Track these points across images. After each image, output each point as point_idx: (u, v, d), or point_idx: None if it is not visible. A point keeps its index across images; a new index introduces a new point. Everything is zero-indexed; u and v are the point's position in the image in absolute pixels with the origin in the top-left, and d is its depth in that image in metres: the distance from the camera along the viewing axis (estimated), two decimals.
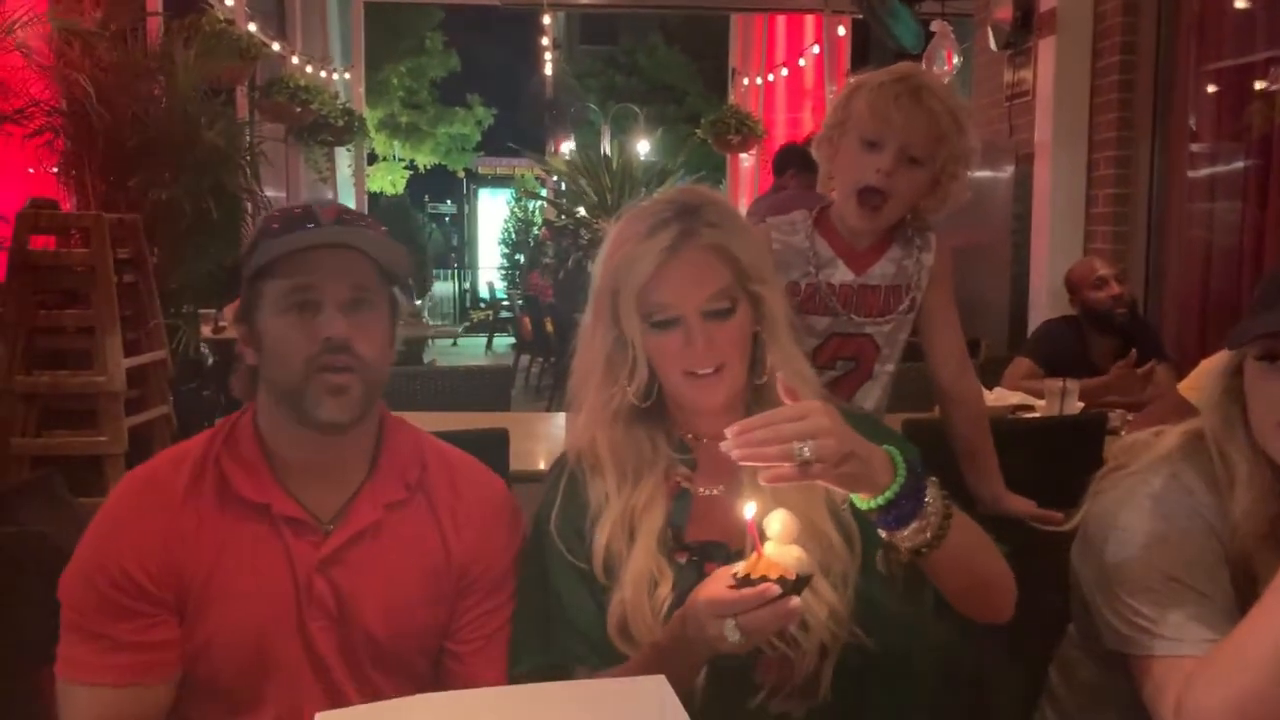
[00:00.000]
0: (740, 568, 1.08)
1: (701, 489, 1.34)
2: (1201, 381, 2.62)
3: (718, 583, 1.10)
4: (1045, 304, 4.53)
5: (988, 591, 1.25)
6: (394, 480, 1.32)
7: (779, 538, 1.08)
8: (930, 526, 1.12)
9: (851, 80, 1.83)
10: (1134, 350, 3.32)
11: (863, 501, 1.12)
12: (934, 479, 1.14)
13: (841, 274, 1.84)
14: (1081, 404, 3.11)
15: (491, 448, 2.23)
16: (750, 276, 1.30)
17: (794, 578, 1.06)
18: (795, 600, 1.07)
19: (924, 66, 6.09)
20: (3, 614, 1.59)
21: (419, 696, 0.99)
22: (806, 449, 1.04)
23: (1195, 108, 4.28)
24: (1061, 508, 1.94)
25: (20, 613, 1.56)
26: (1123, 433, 2.91)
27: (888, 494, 1.10)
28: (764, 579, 1.05)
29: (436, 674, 1.36)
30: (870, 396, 1.91)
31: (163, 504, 1.25)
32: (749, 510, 1.07)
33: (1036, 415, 3.16)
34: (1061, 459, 2.67)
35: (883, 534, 1.14)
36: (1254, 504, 1.19)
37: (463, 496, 1.35)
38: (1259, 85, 4.05)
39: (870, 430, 1.36)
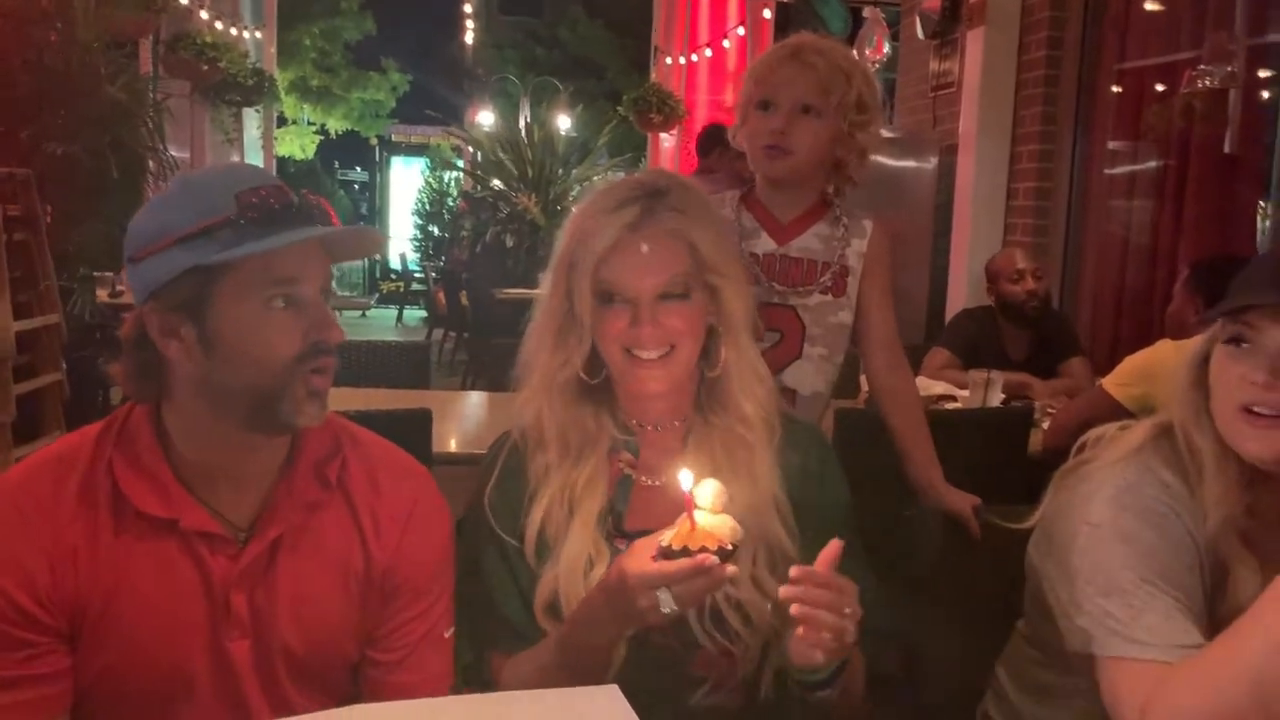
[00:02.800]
0: (669, 537, 1.08)
1: (644, 478, 1.34)
2: (1127, 378, 2.69)
3: (642, 554, 1.10)
4: (964, 295, 4.58)
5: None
6: (311, 478, 1.20)
7: (711, 507, 1.09)
8: (836, 691, 1.19)
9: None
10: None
11: (802, 671, 1.17)
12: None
13: (765, 244, 1.87)
14: (1004, 395, 3.13)
15: (414, 429, 2.14)
16: (709, 267, 1.30)
17: (729, 547, 1.07)
18: (731, 568, 1.09)
19: (853, 53, 6.11)
20: None
21: (359, 708, 0.90)
22: (669, 604, 1.09)
23: (1115, 105, 4.36)
24: (989, 499, 1.94)
25: None
26: (1043, 425, 2.94)
27: (821, 675, 1.17)
28: (703, 549, 1.06)
29: (356, 686, 1.26)
30: (804, 379, 1.89)
31: (46, 519, 1.10)
32: (685, 479, 1.08)
33: (959, 406, 3.18)
34: (988, 450, 2.69)
35: (795, 681, 1.20)
36: (1223, 494, 1.18)
37: (384, 494, 1.23)
38: (1158, 88, 4.15)
39: (815, 446, 1.37)
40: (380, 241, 1.49)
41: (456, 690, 1.27)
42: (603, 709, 0.97)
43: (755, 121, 1.83)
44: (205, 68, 7.41)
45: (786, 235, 1.89)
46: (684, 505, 1.09)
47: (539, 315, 1.35)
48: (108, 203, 4.22)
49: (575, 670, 1.20)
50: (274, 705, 1.18)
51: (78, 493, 1.12)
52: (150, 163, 4.53)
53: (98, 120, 4.07)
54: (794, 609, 1.06)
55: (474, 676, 1.31)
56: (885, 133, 6.12)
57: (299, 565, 1.18)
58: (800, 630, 1.08)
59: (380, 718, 0.91)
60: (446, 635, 1.27)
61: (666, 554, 1.08)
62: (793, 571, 1.07)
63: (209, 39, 7.58)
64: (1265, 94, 4.00)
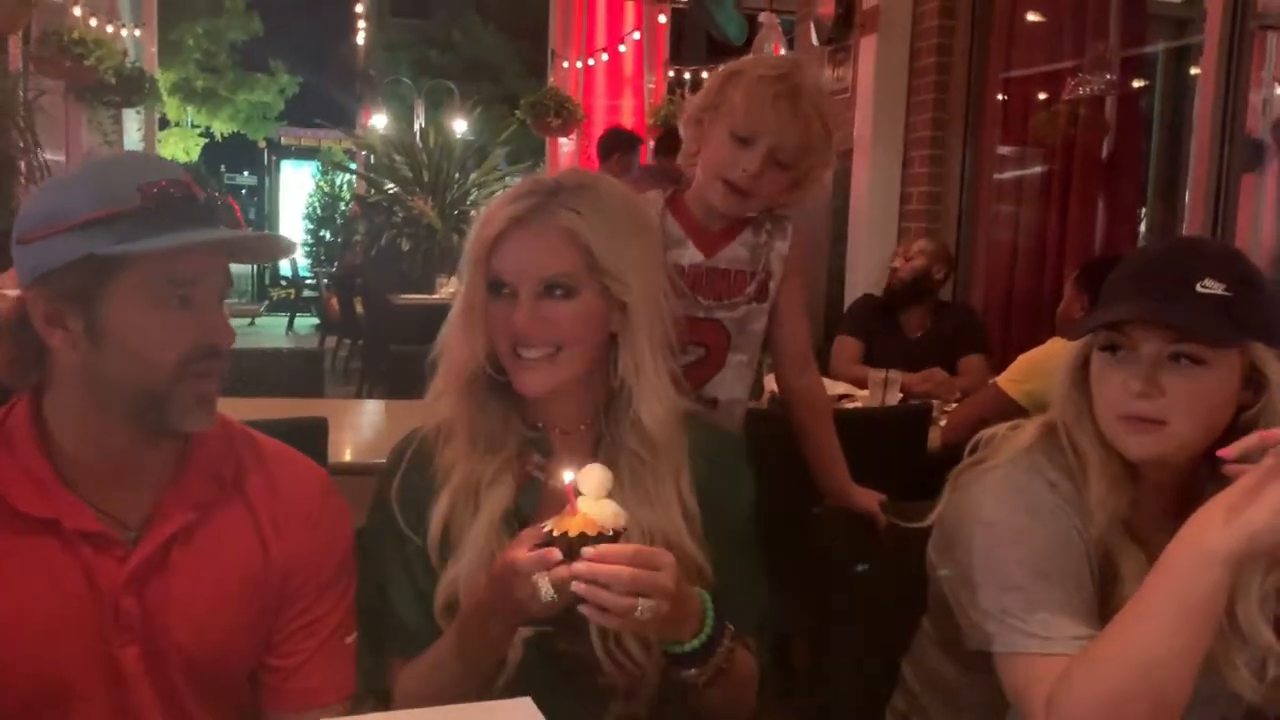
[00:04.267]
0: (552, 524, 1.07)
1: (552, 481, 1.29)
2: (1020, 374, 2.76)
3: (524, 543, 1.09)
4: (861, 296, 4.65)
5: (726, 715, 1.29)
6: (205, 477, 1.16)
7: (592, 492, 1.07)
8: (706, 674, 1.18)
9: (730, 64, 1.79)
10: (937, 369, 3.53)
11: (664, 643, 1.17)
12: (730, 628, 1.20)
13: (691, 255, 1.80)
14: (901, 394, 3.19)
15: (309, 439, 2.06)
16: (603, 269, 1.25)
17: (609, 532, 1.06)
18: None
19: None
20: None
21: None
22: (646, 611, 1.06)
23: (1002, 112, 4.49)
24: (890, 496, 1.96)
25: None
26: (940, 422, 2.99)
27: (687, 647, 1.16)
28: (582, 535, 1.05)
29: (256, 693, 1.22)
30: (724, 387, 1.86)
31: None
32: (568, 475, 1.09)
33: (858, 405, 3.22)
34: (888, 449, 2.73)
35: (664, 659, 1.20)
36: (1107, 494, 1.21)
37: (282, 494, 1.20)
38: (1042, 96, 4.30)
39: (726, 454, 1.36)
40: (290, 248, 1.42)
41: (359, 700, 1.24)
42: None
43: (725, 147, 1.73)
44: (70, 64, 7.03)
45: (715, 245, 1.82)
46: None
47: (454, 307, 1.33)
48: None
49: (469, 667, 1.19)
50: (171, 715, 1.13)
51: None
52: (21, 164, 4.30)
53: None
54: (574, 586, 1.05)
55: (375, 684, 1.28)
56: None
57: (194, 566, 1.13)
58: (584, 608, 1.07)
59: None
60: (348, 641, 1.24)
61: (548, 541, 1.06)
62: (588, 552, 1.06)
63: (77, 35, 7.23)
64: (1140, 102, 4.18)
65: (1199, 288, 1.15)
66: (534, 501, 1.28)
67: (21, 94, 4.56)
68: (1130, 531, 1.23)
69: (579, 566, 1.04)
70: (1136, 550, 1.22)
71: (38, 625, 1.07)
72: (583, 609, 1.06)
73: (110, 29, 8.20)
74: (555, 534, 1.06)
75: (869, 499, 1.84)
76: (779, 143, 1.70)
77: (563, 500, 1.13)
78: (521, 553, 1.07)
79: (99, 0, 8.53)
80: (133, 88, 8.01)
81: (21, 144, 4.21)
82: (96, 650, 1.09)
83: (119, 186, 1.05)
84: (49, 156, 5.83)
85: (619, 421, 1.30)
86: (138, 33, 9.24)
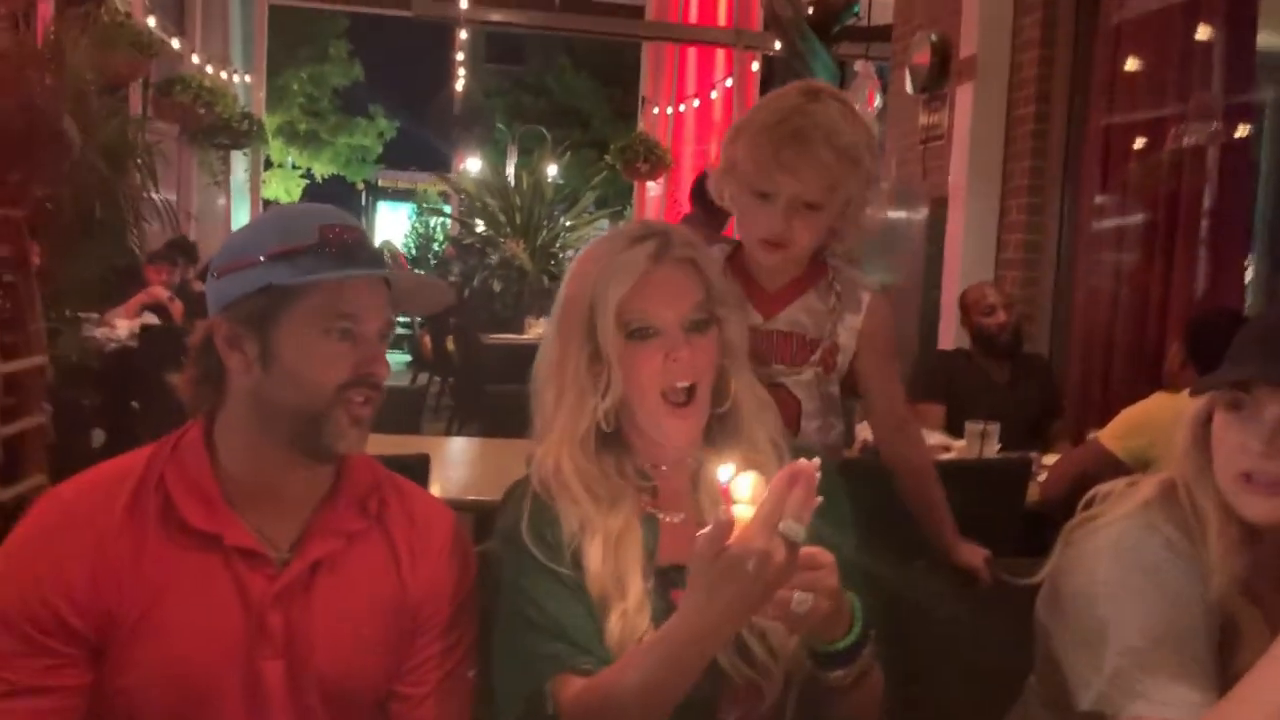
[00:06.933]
0: (732, 516, 1.06)
1: (665, 516, 1.33)
2: (1123, 430, 2.70)
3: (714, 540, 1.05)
4: (954, 345, 4.59)
5: None
6: (353, 508, 1.24)
7: (750, 501, 1.06)
8: (852, 675, 1.19)
9: (738, 121, 1.74)
10: None
11: (811, 640, 1.18)
12: (872, 633, 1.21)
13: (750, 317, 1.71)
14: (1000, 446, 3.13)
15: (413, 476, 2.11)
16: (716, 299, 1.32)
17: None
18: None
19: (857, 111, 6.19)
20: None
21: None
22: (803, 604, 1.07)
23: (1102, 160, 4.41)
24: (987, 550, 1.93)
25: None
26: (1040, 477, 2.93)
27: (837, 645, 1.17)
28: None
29: (383, 717, 1.27)
30: (808, 453, 1.82)
31: (93, 531, 1.14)
32: (724, 473, 1.07)
33: (954, 457, 3.17)
34: (985, 503, 2.68)
35: (809, 663, 1.21)
36: (1225, 553, 1.18)
37: (418, 529, 1.29)
38: (1143, 144, 4.21)
39: (832, 486, 1.33)
40: (446, 296, 1.54)
41: None
42: None
43: (750, 206, 1.68)
44: (201, 111, 7.43)
45: (774, 306, 1.75)
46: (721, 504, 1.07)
47: (549, 370, 1.33)
48: (95, 244, 4.19)
49: (662, 696, 1.14)
50: None
51: (127, 506, 1.16)
52: (139, 206, 4.50)
53: (88, 164, 4.05)
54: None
55: (530, 716, 1.23)
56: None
57: (336, 590, 1.21)
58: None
59: None
60: (469, 675, 1.29)
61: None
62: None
63: (206, 84, 7.61)
64: (1247, 150, 4.07)
65: None
66: (655, 538, 1.31)
67: (143, 138, 4.78)
68: (1249, 593, 1.20)
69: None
70: (1255, 611, 1.19)
71: (194, 634, 1.15)
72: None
73: (224, 75, 8.60)
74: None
75: (974, 555, 1.80)
76: (797, 190, 1.63)
77: (680, 532, 1.23)
78: (739, 536, 1.03)
79: (213, 46, 8.96)
80: (242, 131, 8.36)
81: (141, 185, 4.39)
82: (242, 663, 1.16)
83: (301, 227, 1.19)
84: (163, 195, 6.10)
85: (729, 441, 1.33)
86: (248, 79, 9.67)
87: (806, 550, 1.08)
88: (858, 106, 5.73)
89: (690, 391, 1.29)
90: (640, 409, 1.30)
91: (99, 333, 4.63)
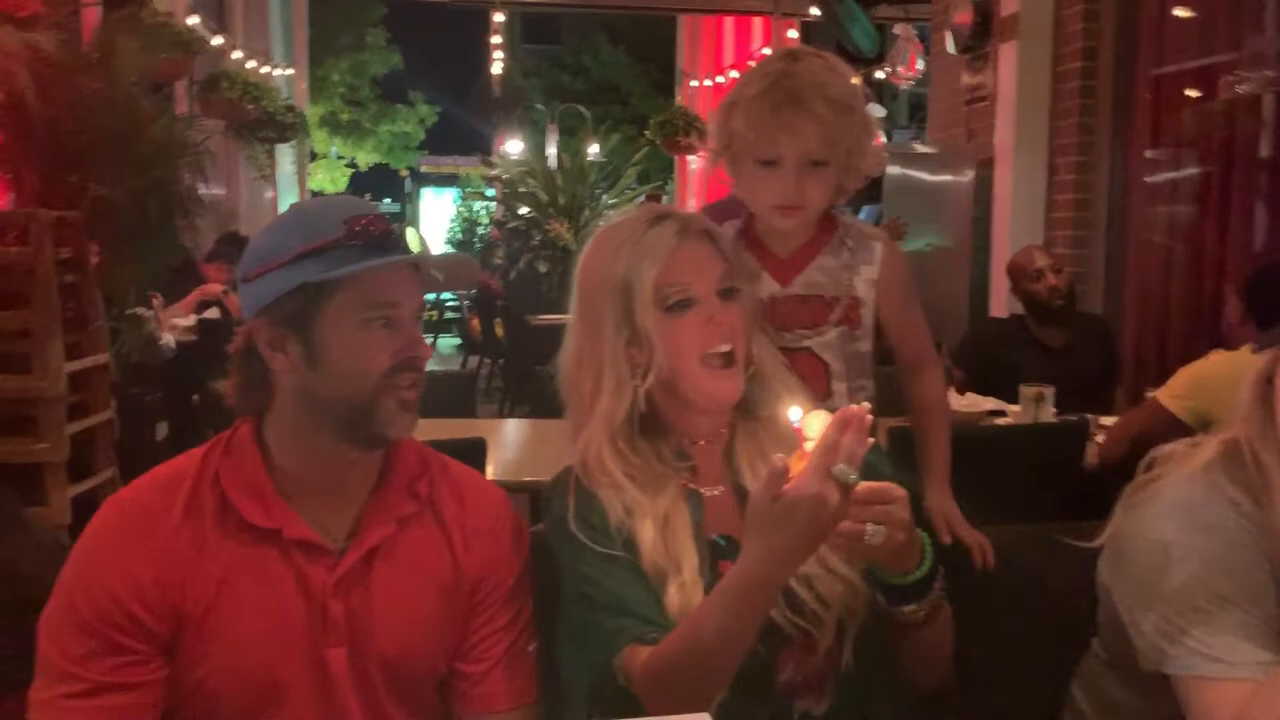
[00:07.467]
0: (788, 462, 1.09)
1: (705, 491, 1.36)
2: (1182, 390, 2.66)
3: (815, 478, 1.06)
4: (1004, 308, 4.53)
5: (927, 670, 1.34)
6: (403, 493, 1.27)
7: (818, 435, 1.08)
8: (924, 609, 1.22)
9: (725, 98, 1.72)
10: None
11: (882, 573, 1.21)
12: (941, 569, 1.23)
13: (768, 286, 1.74)
14: (1055, 411, 3.10)
15: (469, 459, 2.14)
16: (736, 270, 1.39)
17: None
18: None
19: (887, 70, 6.11)
20: None
21: None
22: (877, 535, 1.09)
23: (1152, 113, 4.32)
24: (1043, 516, 1.91)
25: None
26: (1097, 438, 2.90)
27: (909, 578, 1.20)
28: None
29: (445, 698, 1.30)
30: None
31: (156, 530, 1.17)
32: (794, 414, 1.11)
33: (1010, 421, 3.15)
34: (1042, 466, 2.67)
35: (880, 599, 1.24)
36: None
37: (469, 510, 1.31)
38: (1195, 94, 4.11)
39: (878, 465, 1.34)
40: (475, 272, 1.58)
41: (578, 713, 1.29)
42: None
43: (757, 176, 1.68)
44: (249, 106, 7.52)
45: (789, 271, 1.75)
46: (785, 466, 1.08)
47: (582, 361, 1.35)
48: (150, 243, 4.27)
49: (731, 643, 1.15)
50: (371, 714, 1.23)
51: (185, 506, 1.19)
52: (189, 203, 4.57)
53: (140, 163, 4.12)
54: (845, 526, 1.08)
55: (601, 690, 1.25)
56: (919, 147, 6.12)
57: (393, 575, 1.23)
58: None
59: None
60: (530, 649, 1.32)
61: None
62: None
63: (251, 79, 7.69)
64: None
65: None
66: (700, 511, 1.33)
67: (190, 136, 4.85)
68: None
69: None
70: None
71: (259, 627, 1.18)
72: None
73: (265, 69, 8.68)
74: (793, 474, 1.09)
75: (968, 533, 1.75)
76: (802, 149, 1.64)
77: (721, 504, 1.28)
78: (799, 475, 1.06)
79: (254, 41, 9.04)
80: (286, 125, 8.44)
81: (192, 183, 4.45)
82: (307, 652, 1.19)
83: (325, 222, 1.19)
84: (212, 191, 6.19)
85: (759, 405, 1.38)
86: (289, 71, 9.75)
87: (878, 484, 1.11)
88: (900, 70, 5.69)
89: (729, 356, 1.33)
90: (683, 379, 1.33)
91: (164, 337, 4.71)
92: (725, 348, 1.33)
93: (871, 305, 1.77)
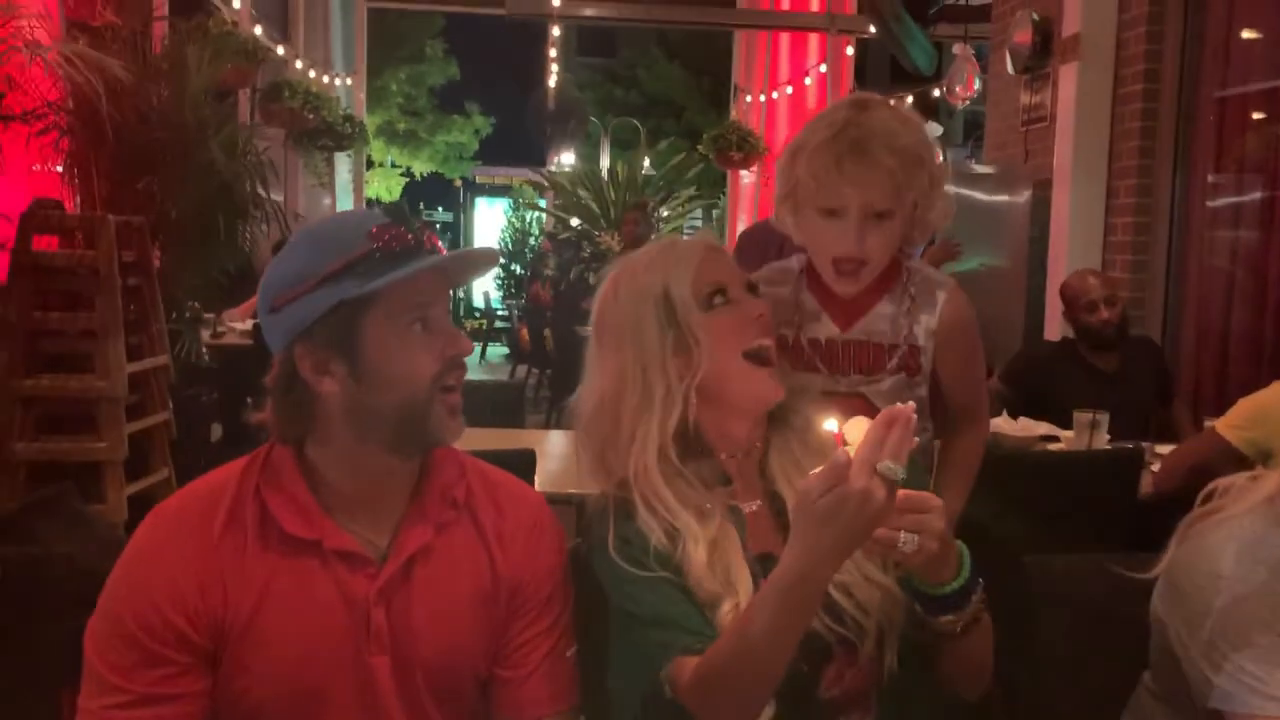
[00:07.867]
0: (849, 455, 1.08)
1: (744, 505, 1.37)
2: (1243, 420, 2.60)
3: (862, 475, 1.06)
4: (1060, 330, 4.48)
5: (966, 680, 1.32)
6: (440, 500, 1.27)
7: (858, 442, 1.08)
8: (962, 620, 1.20)
9: (792, 141, 1.69)
10: None
11: (920, 583, 1.20)
12: (980, 581, 1.22)
13: (826, 329, 1.73)
14: (1109, 438, 3.05)
15: (519, 471, 2.15)
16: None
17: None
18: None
19: (944, 89, 6.07)
20: (27, 635, 1.51)
21: None
22: (911, 543, 1.09)
23: (1216, 136, 4.25)
24: (1097, 546, 1.88)
25: (43, 633, 1.49)
26: (1153, 467, 2.85)
27: (946, 589, 1.19)
28: None
29: (486, 703, 1.31)
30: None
31: (197, 542, 1.18)
32: (831, 425, 1.11)
33: (1062, 447, 3.10)
34: (1096, 495, 2.63)
35: (918, 609, 1.22)
36: None
37: (506, 514, 1.31)
38: (1259, 116, 4.03)
39: (918, 481, 1.34)
40: (494, 258, 1.57)
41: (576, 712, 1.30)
42: None
43: (818, 226, 1.66)
44: (310, 116, 7.65)
45: (850, 317, 1.73)
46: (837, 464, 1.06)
47: (623, 380, 1.35)
48: (213, 248, 4.36)
49: (780, 642, 1.14)
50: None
51: (226, 518, 1.19)
52: (254, 209, 4.66)
53: (204, 170, 4.21)
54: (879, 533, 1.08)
55: (651, 706, 1.26)
56: (976, 167, 6.06)
57: (433, 582, 1.24)
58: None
59: None
60: (569, 655, 1.32)
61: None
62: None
63: (312, 89, 7.83)
64: None
65: None
66: (744, 527, 1.34)
67: (254, 143, 4.95)
68: None
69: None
70: None
71: (302, 637, 1.18)
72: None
73: (325, 79, 8.83)
74: None
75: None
76: (865, 200, 1.60)
77: (761, 519, 1.30)
78: (853, 470, 1.05)
79: (315, 51, 9.20)
80: (345, 134, 8.57)
81: (254, 190, 4.54)
82: (351, 660, 1.20)
83: (350, 237, 1.17)
84: (272, 197, 6.30)
85: (789, 413, 1.41)
86: (349, 81, 9.90)
87: (915, 493, 1.11)
88: (957, 89, 5.62)
89: (767, 355, 1.38)
90: (727, 380, 1.35)
91: (214, 333, 4.79)
92: (766, 341, 1.37)
93: (930, 355, 1.74)
